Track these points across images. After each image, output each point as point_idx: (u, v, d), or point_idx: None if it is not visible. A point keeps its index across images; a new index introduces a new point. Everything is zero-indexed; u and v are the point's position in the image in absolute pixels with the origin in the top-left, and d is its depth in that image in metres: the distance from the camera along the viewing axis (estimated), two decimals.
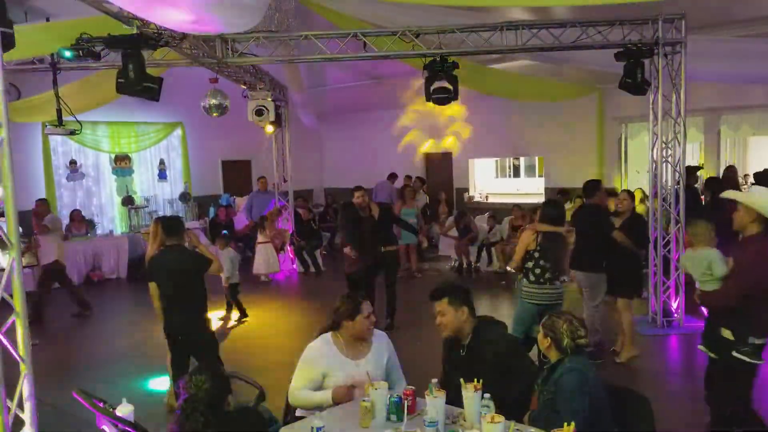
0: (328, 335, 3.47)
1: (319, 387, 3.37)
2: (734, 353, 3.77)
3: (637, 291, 6.28)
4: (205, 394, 2.74)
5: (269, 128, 11.02)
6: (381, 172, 14.01)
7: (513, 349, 3.45)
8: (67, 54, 6.59)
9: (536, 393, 3.11)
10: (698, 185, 8.68)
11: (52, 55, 7.27)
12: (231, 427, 2.81)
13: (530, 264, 5.23)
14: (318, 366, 3.37)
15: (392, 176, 13.71)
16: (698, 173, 8.82)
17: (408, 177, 13.48)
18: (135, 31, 5.67)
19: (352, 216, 7.38)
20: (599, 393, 2.99)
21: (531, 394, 3.14)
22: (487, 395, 2.88)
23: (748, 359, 3.74)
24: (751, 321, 3.77)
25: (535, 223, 5.58)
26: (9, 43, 3.13)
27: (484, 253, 10.98)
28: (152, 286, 5.05)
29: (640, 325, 7.18)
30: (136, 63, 5.84)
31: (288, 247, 11.55)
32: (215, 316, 7.63)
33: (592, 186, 6.50)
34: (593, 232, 5.98)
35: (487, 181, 15.75)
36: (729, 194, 4.06)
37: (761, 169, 8.97)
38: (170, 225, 5.08)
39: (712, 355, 4.04)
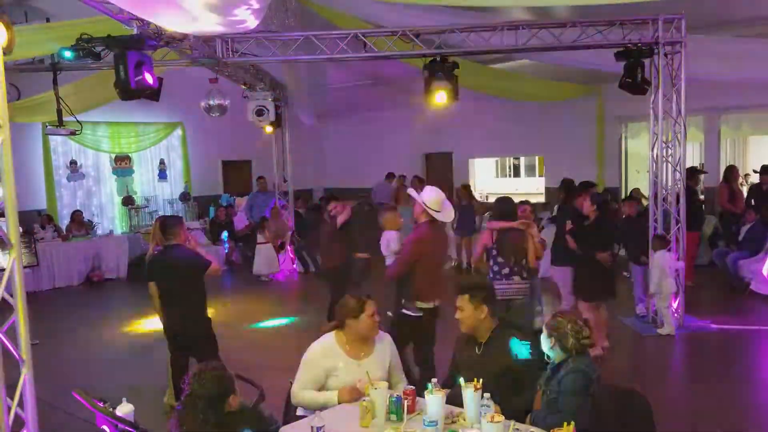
0: (332, 335, 3.48)
1: (322, 387, 3.38)
2: (403, 311, 4.88)
3: (594, 295, 6.12)
4: (206, 393, 2.74)
5: (269, 128, 11.01)
6: (381, 172, 14.00)
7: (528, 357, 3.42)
8: (68, 54, 6.59)
9: (539, 393, 3.11)
10: (699, 187, 8.66)
11: (52, 55, 7.26)
12: (230, 428, 2.81)
13: (490, 261, 5.43)
14: (321, 366, 3.37)
15: (390, 176, 13.70)
16: (700, 176, 8.80)
17: (402, 176, 13.46)
18: (135, 31, 5.67)
19: (313, 220, 7.52)
20: (602, 393, 2.99)
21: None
22: (487, 395, 2.88)
23: (412, 314, 4.85)
24: (415, 289, 4.84)
25: (491, 222, 5.77)
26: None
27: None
28: (152, 286, 5.05)
29: (640, 326, 7.19)
30: (126, 64, 5.79)
31: (288, 247, 11.55)
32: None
33: (565, 187, 7.09)
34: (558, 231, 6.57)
35: (488, 180, 15.75)
36: (410, 192, 5.25)
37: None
38: (168, 224, 5.08)
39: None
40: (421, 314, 4.83)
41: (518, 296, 5.29)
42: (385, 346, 3.52)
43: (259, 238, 10.80)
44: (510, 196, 6.20)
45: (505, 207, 5.58)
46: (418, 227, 4.94)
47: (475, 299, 3.41)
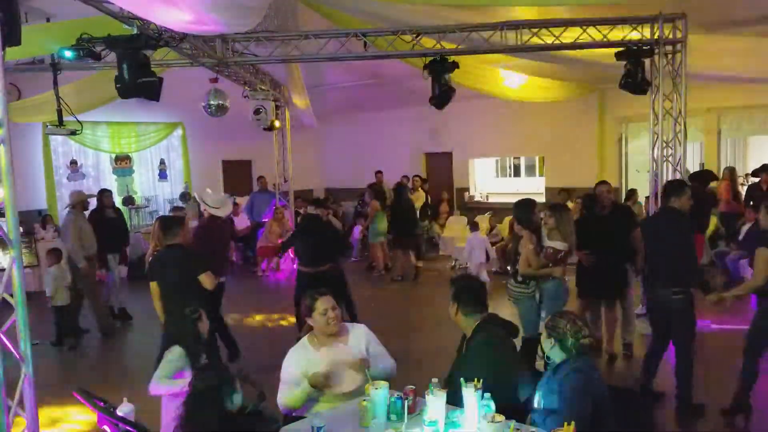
0: (305, 337, 3.60)
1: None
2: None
3: (582, 292, 6.31)
4: (208, 393, 2.73)
5: (276, 123, 10.98)
6: (381, 172, 14.00)
7: (504, 351, 3.41)
8: (68, 54, 6.58)
9: (539, 393, 3.10)
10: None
11: (52, 55, 7.26)
12: (233, 427, 2.81)
13: None
14: (296, 369, 3.45)
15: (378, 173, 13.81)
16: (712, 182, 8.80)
17: (404, 177, 13.46)
18: (135, 31, 5.67)
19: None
20: (602, 393, 2.98)
21: (523, 398, 3.14)
22: (487, 395, 2.88)
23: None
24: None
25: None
26: (15, 40, 3.13)
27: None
28: (153, 286, 5.05)
29: (639, 325, 7.18)
30: (130, 63, 5.78)
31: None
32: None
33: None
34: None
35: (488, 180, 15.74)
36: (195, 195, 6.39)
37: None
38: (168, 224, 5.09)
39: None
40: None
41: (511, 298, 5.57)
42: (359, 336, 3.58)
43: None
44: (530, 198, 6.04)
45: (517, 213, 5.71)
46: (200, 221, 6.49)
47: (450, 296, 3.50)
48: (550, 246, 5.41)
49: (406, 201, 10.89)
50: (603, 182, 6.62)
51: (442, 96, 7.32)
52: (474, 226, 10.25)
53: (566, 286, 5.57)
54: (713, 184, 9.32)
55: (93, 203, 8.70)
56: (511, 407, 2.96)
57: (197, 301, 4.96)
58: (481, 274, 9.19)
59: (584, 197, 6.50)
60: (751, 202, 9.16)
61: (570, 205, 9.87)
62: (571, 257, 5.61)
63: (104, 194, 8.81)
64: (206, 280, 4.93)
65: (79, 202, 7.96)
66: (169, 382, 3.53)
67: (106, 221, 8.27)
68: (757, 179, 9.40)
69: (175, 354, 3.63)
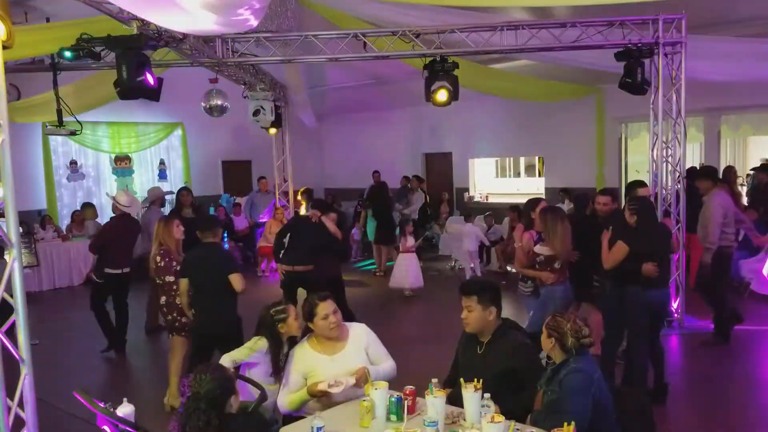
0: (306, 340, 3.58)
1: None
2: (105, 270, 6.96)
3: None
4: (208, 394, 2.74)
5: (272, 130, 11.00)
6: (381, 171, 14.02)
7: (529, 358, 3.40)
8: (68, 54, 6.59)
9: (540, 393, 3.10)
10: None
11: (52, 55, 7.26)
12: (232, 428, 2.81)
13: None
14: (297, 370, 3.47)
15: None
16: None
17: (405, 177, 13.48)
18: (135, 31, 5.67)
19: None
20: (604, 393, 2.98)
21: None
22: (487, 395, 2.88)
23: (100, 280, 7.09)
24: (107, 259, 6.96)
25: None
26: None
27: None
28: (183, 283, 5.05)
29: None
30: (129, 63, 5.79)
31: None
32: None
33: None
34: None
35: (488, 181, 15.74)
36: (107, 194, 7.42)
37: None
38: (206, 224, 5.26)
39: None
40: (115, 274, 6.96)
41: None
42: (359, 337, 3.57)
43: (403, 243, 9.27)
44: (538, 198, 6.07)
45: (522, 210, 6.02)
46: (112, 218, 7.19)
47: (484, 300, 3.34)
48: (535, 250, 5.38)
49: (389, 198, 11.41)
50: (603, 191, 6.33)
51: (443, 92, 7.30)
52: (468, 218, 10.69)
53: (560, 294, 5.32)
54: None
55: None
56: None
57: (228, 299, 4.98)
58: (473, 263, 9.91)
59: (576, 197, 6.49)
60: (748, 203, 9.17)
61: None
62: (559, 263, 5.33)
63: (182, 192, 8.73)
64: (235, 280, 4.92)
65: (157, 199, 8.26)
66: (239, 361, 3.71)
67: (183, 221, 8.22)
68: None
69: (258, 344, 3.69)
